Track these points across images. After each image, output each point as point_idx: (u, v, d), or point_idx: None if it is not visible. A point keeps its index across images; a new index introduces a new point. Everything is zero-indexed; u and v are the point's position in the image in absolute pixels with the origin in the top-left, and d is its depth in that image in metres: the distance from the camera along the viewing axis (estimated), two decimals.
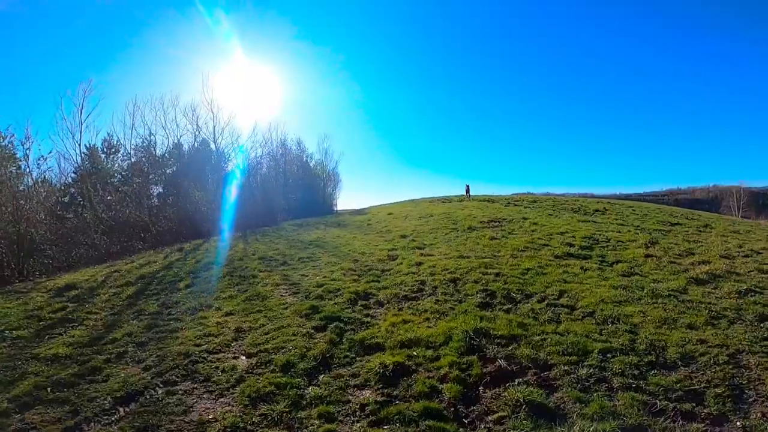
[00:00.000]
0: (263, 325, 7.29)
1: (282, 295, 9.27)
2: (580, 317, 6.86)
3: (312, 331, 6.96)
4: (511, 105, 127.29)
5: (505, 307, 7.44)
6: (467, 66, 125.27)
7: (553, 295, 7.85)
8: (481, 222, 15.12)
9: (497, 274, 9.09)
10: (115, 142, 28.20)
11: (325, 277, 10.21)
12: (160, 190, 28.20)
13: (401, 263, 10.75)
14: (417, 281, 9.21)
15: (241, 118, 38.69)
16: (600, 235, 12.68)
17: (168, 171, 28.47)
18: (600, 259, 10.21)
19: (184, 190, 23.59)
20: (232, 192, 26.55)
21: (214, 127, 26.42)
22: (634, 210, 20.44)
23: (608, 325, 6.52)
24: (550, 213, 17.97)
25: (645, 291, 7.82)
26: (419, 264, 10.41)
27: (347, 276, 10.14)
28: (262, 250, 14.20)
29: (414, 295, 8.49)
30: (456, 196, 29.42)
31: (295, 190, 32.12)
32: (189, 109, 27.34)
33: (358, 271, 10.44)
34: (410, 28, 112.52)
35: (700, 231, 14.99)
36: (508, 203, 22.34)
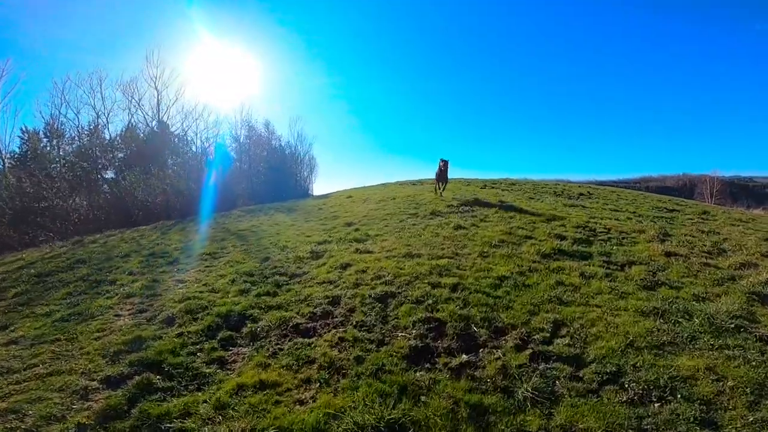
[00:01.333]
0: (32, 366, 3.65)
1: (118, 315, 5.78)
2: (596, 386, 3.31)
3: (98, 385, 3.43)
4: (487, 93, 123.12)
5: (455, 362, 3.92)
6: (447, 53, 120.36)
7: (543, 330, 4.36)
8: (448, 206, 11.44)
9: (454, 288, 5.50)
10: (58, 126, 23.73)
11: (205, 285, 6.61)
12: (112, 175, 23.95)
13: (323, 264, 7.09)
14: (329, 297, 5.70)
15: (206, 100, 34.35)
16: (596, 223, 9.11)
17: (120, 155, 24.19)
18: (605, 259, 6.64)
19: (136, 176, 19.47)
20: (191, 177, 22.51)
21: (158, 105, 22.15)
22: (620, 195, 16.99)
23: (658, 404, 2.98)
24: (531, 197, 14.39)
25: (695, 320, 4.33)
26: (346, 266, 6.76)
27: (237, 284, 6.58)
28: (167, 243, 10.47)
29: (312, 324, 5.07)
30: (430, 180, 25.73)
31: (262, 174, 28.01)
32: (130, 86, 22.96)
33: (258, 276, 6.83)
34: (390, 13, 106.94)
35: (704, 219, 11.58)
36: (485, 186, 18.69)
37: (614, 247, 7.28)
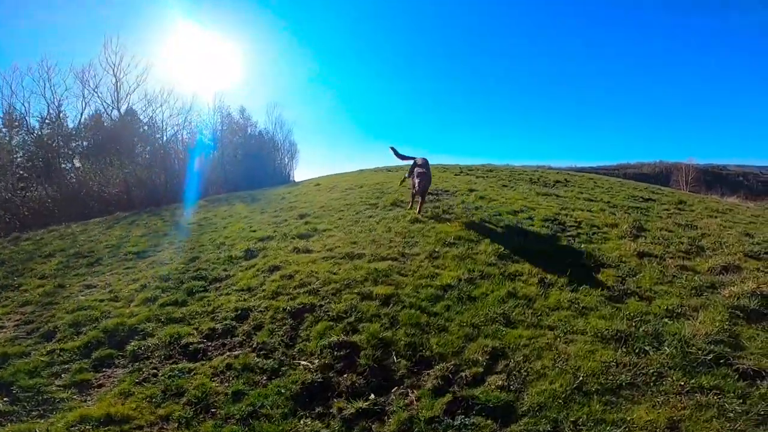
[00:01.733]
0: None
1: (3, 327, 4.84)
2: None
3: None
4: (471, 79, 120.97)
5: (351, 409, 3.00)
6: (432, 39, 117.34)
7: (476, 362, 3.43)
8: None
9: (386, 300, 4.49)
10: (18, 115, 21.75)
11: (111, 291, 5.95)
12: (79, 164, 22.19)
13: (252, 266, 6.07)
14: (239, 309, 4.74)
15: (178, 86, 32.34)
16: (567, 215, 8.13)
17: (85, 143, 22.43)
18: (570, 261, 5.63)
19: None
20: (157, 165, 21.01)
21: (117, 92, 20.50)
22: (596, 183, 16.03)
23: None
24: (505, 184, 13.35)
25: (665, 349, 3.39)
26: (274, 270, 5.73)
27: (147, 290, 5.85)
28: (102, 240, 9.39)
29: (206, 344, 4.35)
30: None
31: (237, 161, 26.47)
32: (86, 73, 21.15)
33: (174, 281, 5.84)
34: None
35: (681, 210, 10.68)
36: (460, 172, 17.60)
37: (582, 246, 6.30)
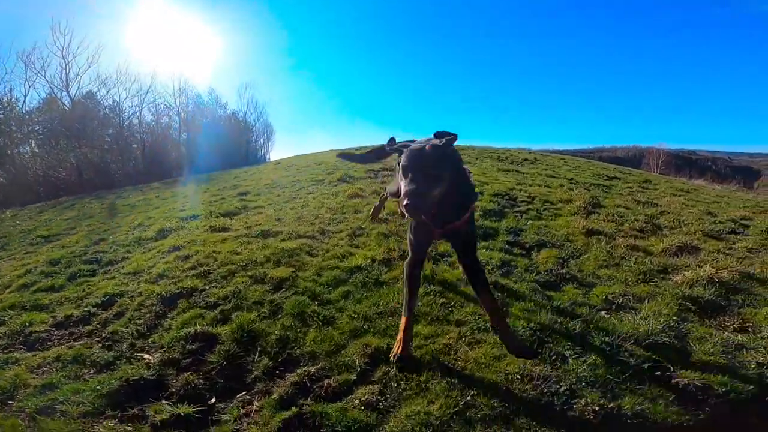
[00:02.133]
0: None
1: None
2: None
3: None
4: (459, 59, 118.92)
5: (164, 415, 2.23)
6: (412, 18, 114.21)
7: (349, 368, 2.61)
8: (369, 171, 9.45)
9: (280, 284, 3.71)
10: None
11: None
12: (36, 149, 20.42)
13: (155, 248, 5.16)
14: (109, 295, 4.02)
15: (142, 68, 30.26)
16: (521, 190, 7.32)
17: (38, 128, 20.64)
18: (512, 239, 4.86)
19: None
20: (115, 148, 19.51)
21: (67, 74, 18.86)
22: (565, 161, 15.32)
23: None
24: (469, 161, 12.46)
25: (590, 356, 2.53)
26: (172, 250, 4.88)
27: (30, 275, 4.92)
28: (20, 225, 8.37)
29: (53, 333, 3.58)
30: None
31: (207, 144, 24.91)
32: (32, 55, 19.41)
33: (63, 265, 5.35)
34: None
35: (645, 188, 10.00)
36: None
37: (529, 222, 5.49)
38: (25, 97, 19.77)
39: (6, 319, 3.81)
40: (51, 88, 19.96)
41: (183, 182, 13.62)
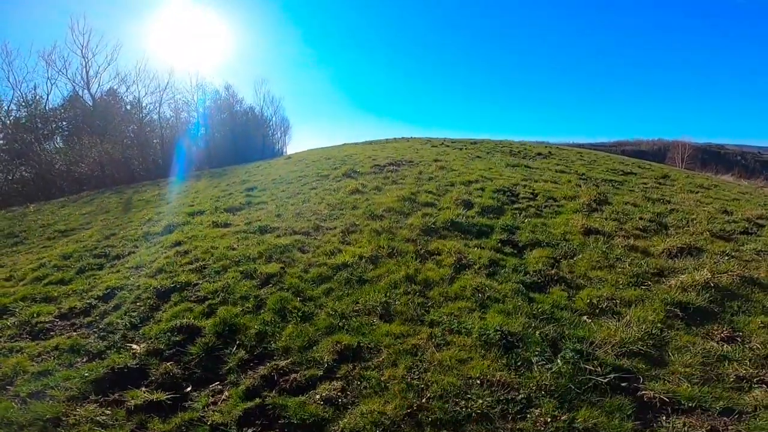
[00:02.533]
0: None
1: None
2: None
3: None
4: (471, 53, 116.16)
5: (139, 400, 2.59)
6: (433, 14, 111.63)
7: (317, 364, 2.77)
8: (375, 166, 9.45)
9: (268, 279, 3.88)
10: None
11: (11, 270, 5.31)
12: (60, 145, 21.21)
13: (159, 243, 5.44)
14: (111, 288, 4.25)
15: (160, 65, 30.89)
16: (525, 186, 7.19)
17: (63, 124, 21.41)
18: (505, 237, 4.79)
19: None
20: (137, 144, 20.07)
21: (87, 72, 19.45)
22: (581, 156, 14.87)
23: None
24: (480, 155, 12.30)
25: (557, 362, 2.54)
26: (175, 245, 5.15)
27: (44, 268, 5.18)
28: (40, 220, 8.89)
29: (57, 323, 3.77)
30: (404, 138, 23.27)
31: (224, 138, 25.30)
32: (54, 54, 20.05)
33: (74, 259, 5.55)
34: None
35: (660, 184, 9.67)
36: (442, 143, 16.52)
37: (527, 220, 5.40)
38: (47, 96, 20.66)
39: (17, 310, 4.05)
40: (73, 86, 20.72)
41: (198, 177, 13.95)
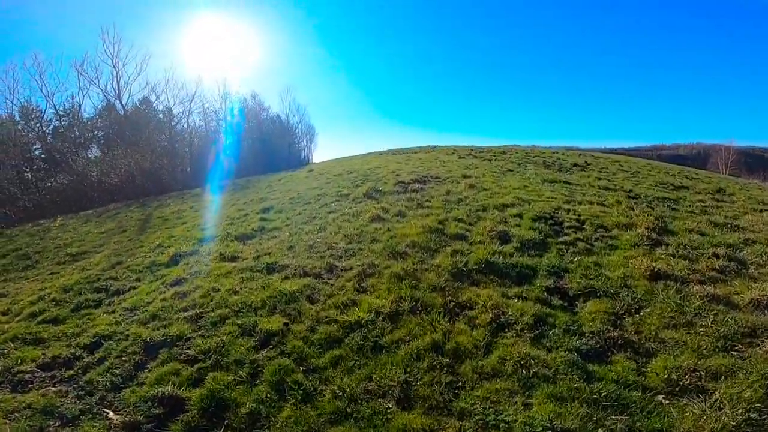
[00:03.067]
0: None
1: None
2: None
3: None
4: (498, 56, 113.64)
5: None
6: (457, 18, 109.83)
7: None
8: (398, 183, 8.83)
9: (269, 339, 3.47)
10: (34, 108, 21.45)
11: (12, 301, 5.31)
12: (97, 153, 21.80)
13: (161, 278, 5.06)
14: (98, 336, 3.91)
15: (188, 74, 31.57)
16: (569, 210, 6.37)
17: (100, 133, 22.03)
18: (552, 283, 4.06)
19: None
20: (167, 153, 20.36)
21: (118, 82, 19.85)
22: (621, 166, 13.74)
23: None
24: (511, 168, 11.44)
25: None
26: (176, 283, 4.73)
27: (42, 302, 4.95)
28: (58, 239, 8.95)
29: (37, 375, 3.37)
30: (429, 147, 22.55)
31: (251, 147, 25.45)
32: (85, 64, 20.55)
33: (73, 293, 5.18)
34: None
35: (718, 201, 8.60)
36: (469, 153, 15.72)
37: (576, 259, 4.60)
38: (80, 106, 21.32)
39: (5, 352, 3.79)
40: (105, 96, 21.29)
41: (222, 189, 13.78)
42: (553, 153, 16.83)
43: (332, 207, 7.24)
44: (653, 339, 3.21)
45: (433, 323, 3.29)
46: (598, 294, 3.84)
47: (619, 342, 3.16)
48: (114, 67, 20.90)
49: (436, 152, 17.24)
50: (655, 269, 4.24)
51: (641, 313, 3.54)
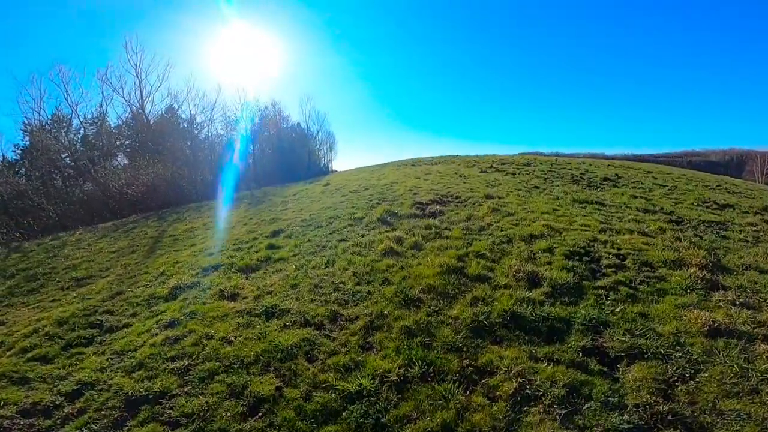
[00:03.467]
0: None
1: None
2: None
3: None
4: (517, 61, 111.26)
5: None
6: (476, 23, 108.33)
7: None
8: (416, 204, 8.35)
9: (259, 404, 3.11)
10: (64, 116, 22.19)
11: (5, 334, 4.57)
12: (125, 161, 22.32)
13: (157, 314, 4.86)
14: (81, 384, 3.62)
15: (208, 83, 32.16)
16: (606, 241, 5.76)
17: (127, 142, 22.57)
18: (589, 342, 3.52)
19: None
20: (189, 164, 20.59)
21: (141, 92, 20.24)
22: (655, 178, 12.82)
23: None
24: (536, 185, 10.76)
25: None
26: (169, 326, 4.38)
27: (36, 336, 4.87)
28: (69, 257, 8.81)
29: (7, 421, 3.12)
30: (449, 157, 21.98)
31: (271, 155, 25.56)
32: (113, 75, 21.18)
33: (66, 328, 5.15)
34: None
35: None
36: (491, 166, 15.03)
37: (618, 308, 4.00)
38: (103, 115, 21.93)
39: None
40: (129, 105, 21.83)
41: (239, 201, 13.65)
42: (580, 164, 15.98)
43: (344, 234, 6.83)
44: (711, 411, 2.67)
45: (446, 396, 2.81)
46: (646, 355, 3.26)
47: (669, 419, 2.62)
48: (137, 76, 21.48)
49: (455, 164, 16.66)
50: (714, 323, 3.62)
51: (697, 379, 2.96)
